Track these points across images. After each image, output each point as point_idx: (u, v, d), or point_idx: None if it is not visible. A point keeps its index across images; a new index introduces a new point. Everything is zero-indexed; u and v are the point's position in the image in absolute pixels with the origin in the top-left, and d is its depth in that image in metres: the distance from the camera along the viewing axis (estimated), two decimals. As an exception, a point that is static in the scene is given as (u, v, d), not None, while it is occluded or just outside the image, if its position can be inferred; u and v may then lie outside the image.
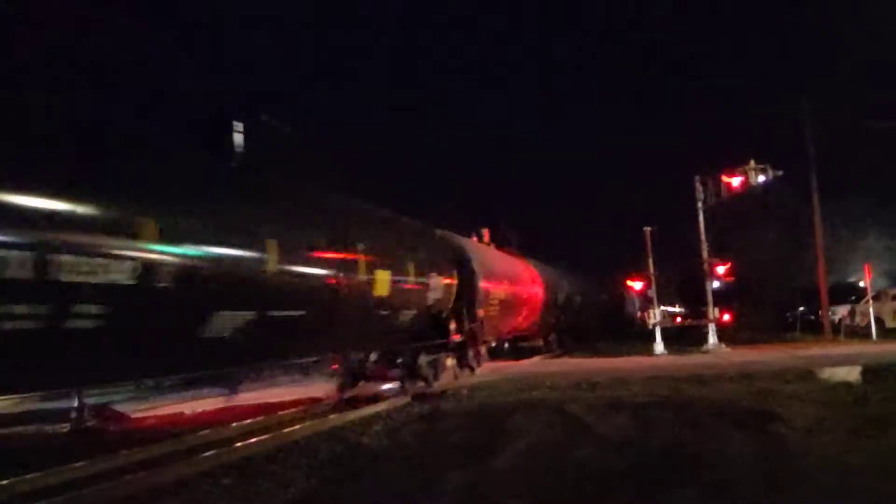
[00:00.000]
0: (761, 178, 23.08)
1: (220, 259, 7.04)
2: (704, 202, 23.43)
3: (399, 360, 12.82)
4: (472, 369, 15.14)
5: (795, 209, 29.75)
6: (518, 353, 22.84)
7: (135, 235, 5.87)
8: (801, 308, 30.40)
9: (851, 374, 11.99)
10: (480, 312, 15.20)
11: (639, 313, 44.26)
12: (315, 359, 12.44)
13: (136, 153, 6.68)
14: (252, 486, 6.33)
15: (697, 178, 23.48)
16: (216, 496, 6.16)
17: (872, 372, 11.94)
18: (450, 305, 13.87)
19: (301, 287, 8.64)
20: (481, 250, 17.49)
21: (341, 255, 9.54)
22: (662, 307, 30.49)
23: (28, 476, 6.53)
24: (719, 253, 25.12)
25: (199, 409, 11.40)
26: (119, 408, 10.90)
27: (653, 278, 25.03)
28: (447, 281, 13.66)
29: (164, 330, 6.57)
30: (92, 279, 5.45)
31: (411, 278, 11.87)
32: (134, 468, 6.99)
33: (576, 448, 7.16)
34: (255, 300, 7.74)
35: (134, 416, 10.85)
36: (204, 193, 7.27)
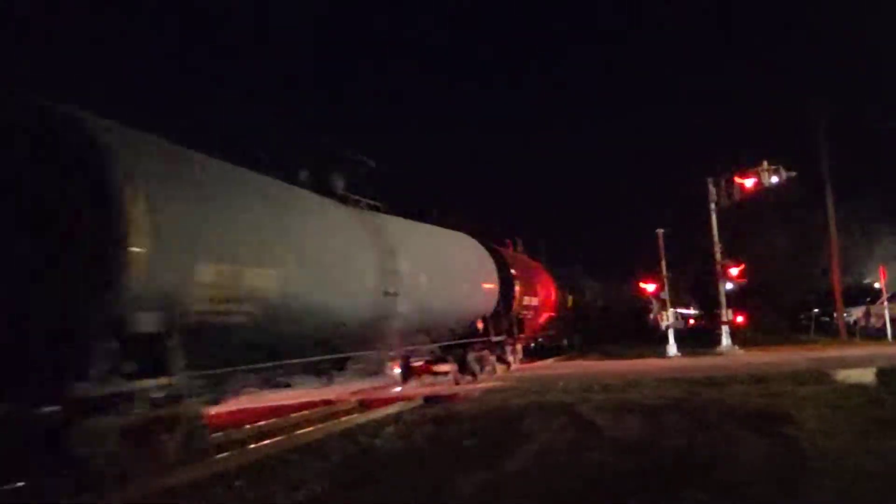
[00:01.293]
0: (774, 179, 22.92)
1: (549, 296, 21.99)
2: (717, 204, 23.32)
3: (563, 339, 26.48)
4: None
5: (809, 210, 29.50)
6: (530, 354, 22.87)
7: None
8: (816, 310, 30.14)
9: (866, 376, 11.90)
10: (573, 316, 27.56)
11: (652, 315, 44.12)
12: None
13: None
14: (264, 489, 6.36)
15: (710, 179, 23.37)
16: (228, 498, 6.20)
17: (887, 374, 11.85)
18: (573, 311, 26.75)
19: (558, 304, 22.88)
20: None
21: (561, 290, 23.74)
22: (677, 309, 30.43)
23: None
24: (733, 254, 24.97)
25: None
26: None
27: (665, 280, 24.93)
28: (571, 297, 26.44)
29: (534, 319, 19.80)
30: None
31: (567, 297, 25.54)
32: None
33: (588, 451, 7.16)
34: (556, 309, 22.60)
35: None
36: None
